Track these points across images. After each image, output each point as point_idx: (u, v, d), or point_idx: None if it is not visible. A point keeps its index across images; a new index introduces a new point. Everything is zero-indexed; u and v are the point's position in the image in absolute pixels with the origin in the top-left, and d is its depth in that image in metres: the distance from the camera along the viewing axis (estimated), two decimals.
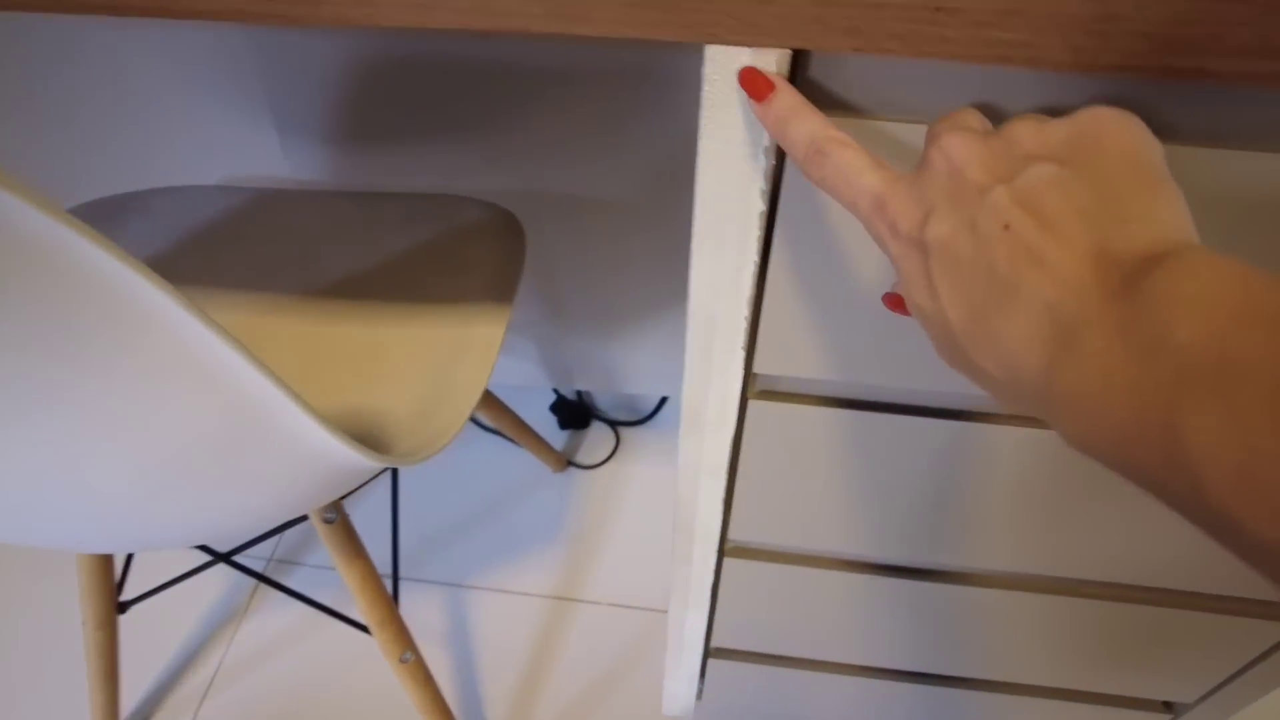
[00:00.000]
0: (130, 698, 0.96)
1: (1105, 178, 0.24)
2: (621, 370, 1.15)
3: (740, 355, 0.44)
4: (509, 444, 1.21)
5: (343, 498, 0.68)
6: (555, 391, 1.25)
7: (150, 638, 1.01)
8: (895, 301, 0.33)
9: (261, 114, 0.93)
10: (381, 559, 0.98)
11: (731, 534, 0.59)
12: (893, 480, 0.51)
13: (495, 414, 1.03)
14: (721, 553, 0.61)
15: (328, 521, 0.68)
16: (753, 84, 0.30)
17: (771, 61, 0.31)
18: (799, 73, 0.33)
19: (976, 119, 0.28)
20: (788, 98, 0.30)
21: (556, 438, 1.24)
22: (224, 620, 1.03)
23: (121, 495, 0.47)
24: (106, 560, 0.76)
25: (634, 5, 0.30)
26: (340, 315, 0.69)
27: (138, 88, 0.91)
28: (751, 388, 0.48)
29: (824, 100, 0.34)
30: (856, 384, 0.47)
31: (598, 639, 1.02)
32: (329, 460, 0.49)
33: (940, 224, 0.25)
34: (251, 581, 1.06)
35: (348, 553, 0.70)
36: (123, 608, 0.82)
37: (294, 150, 0.95)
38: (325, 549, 1.07)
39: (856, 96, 0.34)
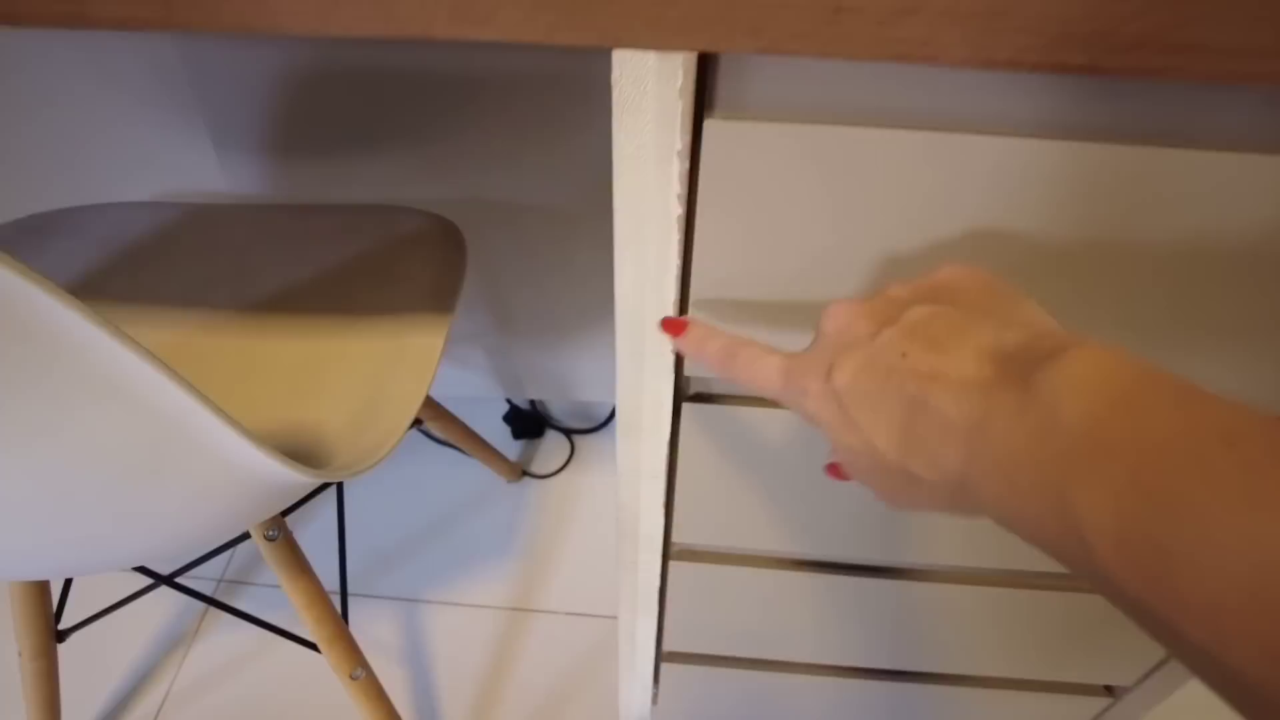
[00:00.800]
0: None
1: (975, 304, 0.28)
2: (572, 377, 1.15)
3: (670, 358, 0.44)
4: (463, 455, 1.20)
5: (285, 514, 0.67)
6: (508, 401, 1.24)
7: (93, 665, 0.98)
8: (836, 470, 0.35)
9: (197, 128, 0.91)
10: (331, 576, 0.96)
11: (675, 537, 0.59)
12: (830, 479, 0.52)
13: (445, 426, 1.02)
14: (666, 556, 0.61)
15: (270, 539, 0.67)
16: (671, 326, 0.38)
17: (678, 64, 0.32)
18: (706, 77, 0.34)
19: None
20: (699, 327, 0.36)
21: (511, 448, 1.23)
22: (172, 644, 1.01)
23: (46, 518, 0.46)
24: (41, 587, 0.74)
25: (537, 9, 0.30)
26: (274, 330, 0.68)
27: (69, 103, 0.89)
28: (684, 390, 0.49)
29: (732, 103, 0.34)
30: None
31: (555, 649, 1.01)
32: (259, 476, 0.48)
33: (843, 371, 0.28)
34: (201, 603, 1.03)
35: (292, 570, 0.69)
36: (61, 636, 0.80)
37: (230, 164, 0.94)
38: (264, 622, 1.05)
39: (762, 98, 0.34)
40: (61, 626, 0.80)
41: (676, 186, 0.35)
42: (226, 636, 1.01)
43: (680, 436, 0.50)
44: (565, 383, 1.16)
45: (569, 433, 1.24)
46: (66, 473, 0.42)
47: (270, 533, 0.67)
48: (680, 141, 0.34)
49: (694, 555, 0.62)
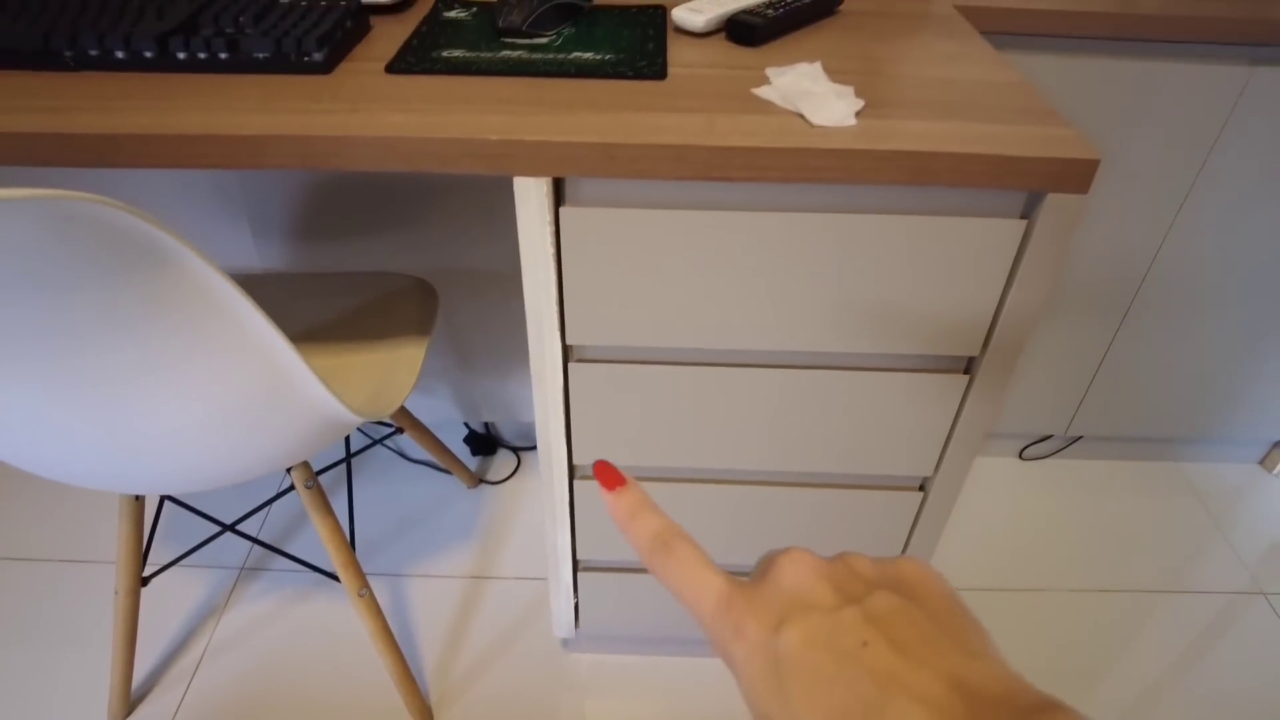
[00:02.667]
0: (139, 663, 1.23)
1: (938, 613, 0.25)
2: (517, 402, 1.50)
3: (558, 334, 0.80)
4: (433, 471, 1.54)
5: (319, 473, 1.01)
6: (467, 426, 1.59)
7: (162, 611, 1.29)
8: (605, 477, 0.32)
9: (240, 220, 1.28)
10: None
11: (576, 460, 0.94)
12: (679, 412, 0.88)
13: (428, 443, 1.36)
14: (571, 476, 0.96)
15: (308, 488, 1.01)
16: (605, 476, 0.31)
17: (544, 181, 0.69)
18: (562, 186, 0.72)
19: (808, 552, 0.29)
20: (635, 494, 0.31)
21: (470, 463, 1.57)
22: (213, 605, 1.31)
23: (192, 434, 0.80)
24: (139, 532, 1.06)
25: (481, 162, 0.68)
26: (311, 352, 1.03)
27: (151, 204, 1.26)
28: (571, 355, 0.85)
29: (576, 198, 0.72)
30: (641, 348, 0.84)
31: (507, 602, 1.34)
32: (325, 413, 0.82)
33: (794, 633, 0.25)
34: (229, 579, 1.34)
35: (321, 511, 1.02)
36: (145, 581, 1.11)
37: (263, 245, 1.30)
38: (292, 552, 1.37)
39: (594, 195, 0.72)
40: (145, 573, 1.11)
41: (550, 238, 0.73)
42: (256, 602, 1.32)
43: (570, 385, 0.86)
44: (513, 406, 1.51)
45: (516, 450, 1.59)
46: (206, 401, 0.77)
47: (308, 483, 1.01)
48: (550, 210, 0.72)
49: (592, 475, 0.97)
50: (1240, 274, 1.30)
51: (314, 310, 1.11)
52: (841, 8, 0.98)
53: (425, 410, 1.53)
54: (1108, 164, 1.18)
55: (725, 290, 0.78)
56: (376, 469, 1.56)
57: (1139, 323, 1.37)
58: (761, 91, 0.75)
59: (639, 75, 0.78)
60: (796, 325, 0.80)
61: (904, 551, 1.03)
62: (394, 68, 0.80)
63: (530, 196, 0.71)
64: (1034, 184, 0.68)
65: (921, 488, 0.96)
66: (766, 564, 0.28)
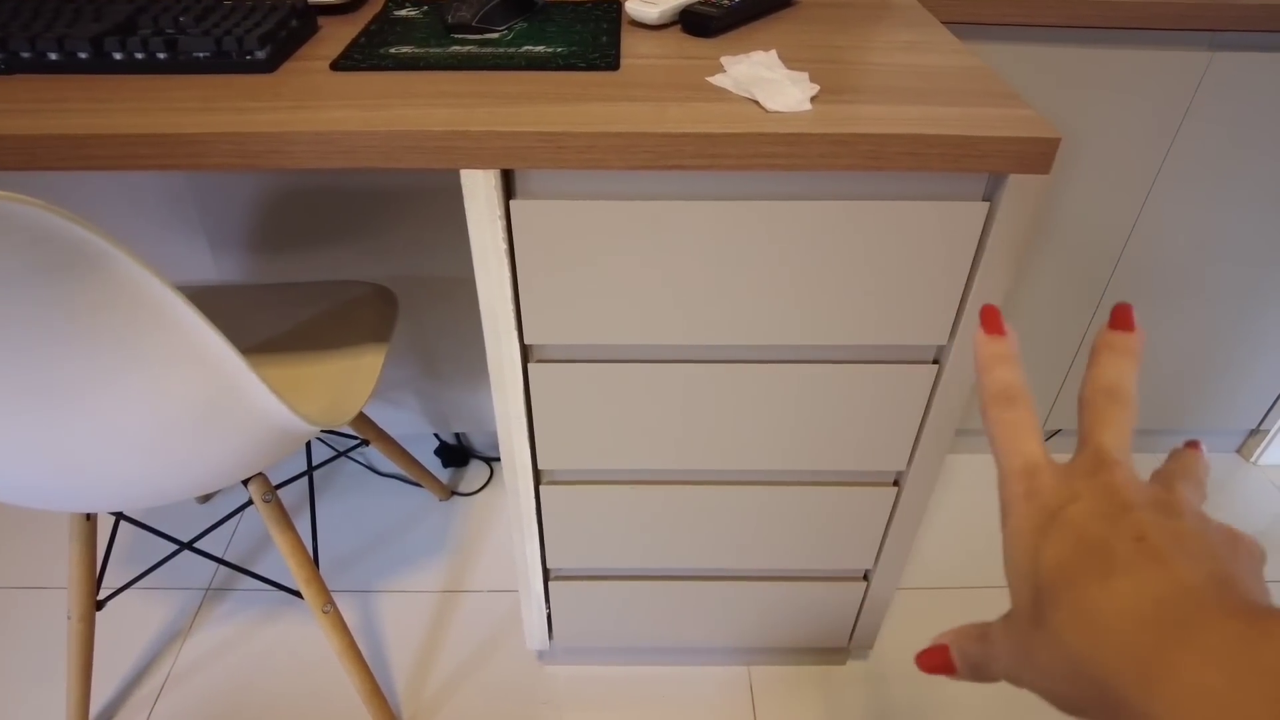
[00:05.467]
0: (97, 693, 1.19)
1: (1240, 565, 0.24)
2: (487, 411, 1.48)
3: (515, 334, 0.78)
4: (404, 484, 1.50)
5: (278, 487, 0.98)
6: (437, 437, 1.55)
7: (119, 635, 1.24)
8: (931, 661, 0.31)
9: (195, 232, 1.25)
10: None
11: (541, 465, 0.91)
12: (644, 412, 0.86)
13: (396, 455, 1.33)
14: (537, 482, 0.93)
15: (266, 501, 0.97)
16: (991, 319, 0.32)
17: (492, 174, 0.67)
18: (512, 179, 0.69)
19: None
20: (1006, 347, 0.31)
21: (441, 475, 1.54)
22: (177, 629, 1.27)
23: (129, 448, 0.77)
24: (91, 554, 1.02)
25: (429, 156, 0.65)
26: (268, 362, 1.00)
27: (102, 217, 1.22)
28: (530, 356, 0.83)
29: (526, 191, 0.70)
30: (602, 345, 0.81)
31: (482, 616, 1.30)
32: (277, 423, 0.80)
33: (1082, 508, 0.26)
34: (195, 600, 1.30)
35: (281, 525, 0.99)
36: (100, 604, 1.07)
37: (221, 258, 1.27)
38: (259, 568, 1.33)
39: (545, 188, 0.70)
40: (100, 596, 1.07)
41: (502, 233, 0.71)
42: (223, 623, 1.28)
43: (532, 389, 0.84)
44: (483, 416, 1.48)
45: (488, 460, 1.56)
46: (149, 411, 0.74)
47: (266, 496, 0.97)
48: (499, 212, 0.69)
49: (557, 481, 0.94)
50: (1210, 261, 1.30)
51: (272, 321, 1.08)
52: None
53: (394, 422, 1.50)
54: (1074, 154, 1.18)
55: (686, 283, 0.76)
56: (345, 483, 1.53)
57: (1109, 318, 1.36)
58: (716, 79, 0.73)
59: (591, 67, 0.77)
60: (759, 318, 0.78)
61: (880, 548, 1.01)
62: (340, 65, 0.78)
63: (478, 190, 0.69)
64: (995, 166, 0.67)
65: (896, 482, 0.95)
66: (1095, 457, 0.28)
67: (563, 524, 0.98)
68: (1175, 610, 0.22)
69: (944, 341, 0.80)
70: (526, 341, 0.80)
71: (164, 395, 0.72)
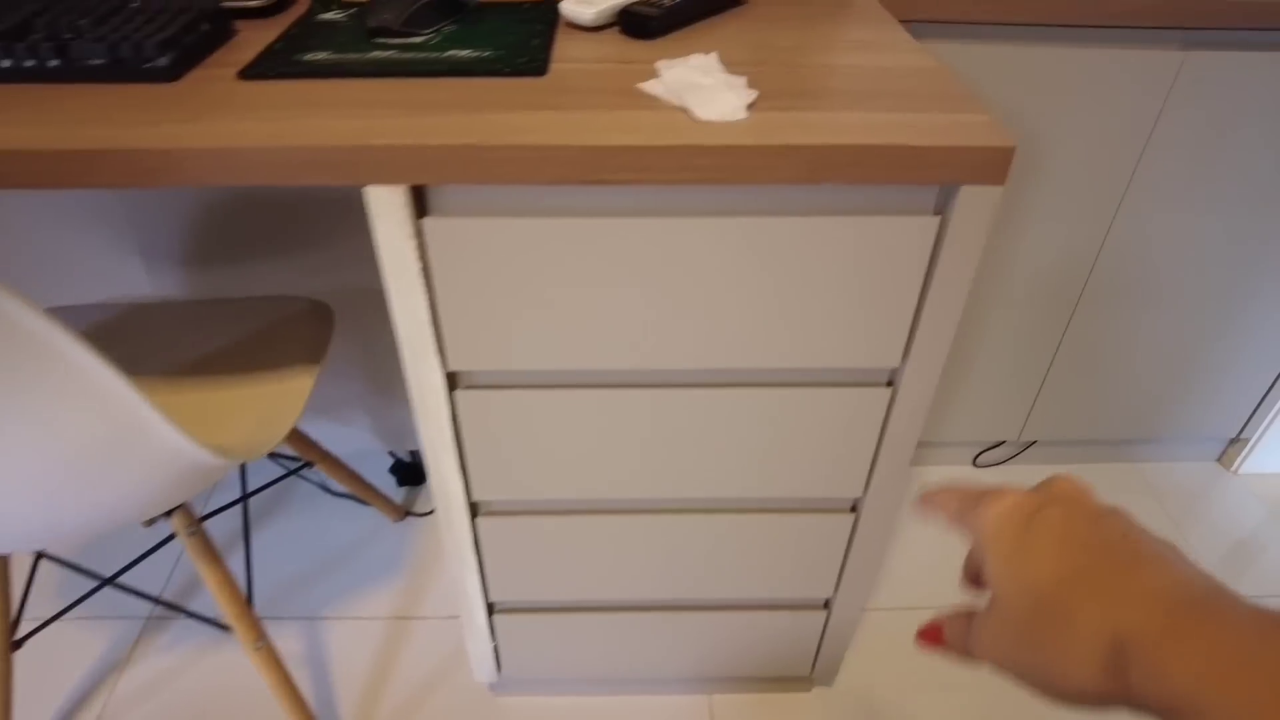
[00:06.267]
0: None
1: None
2: None
3: (436, 360, 0.72)
4: (358, 505, 1.45)
5: (221, 510, 0.92)
6: (393, 455, 1.50)
7: (41, 676, 1.18)
8: (928, 639, 0.36)
9: (128, 246, 1.19)
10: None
11: (476, 495, 0.86)
12: (584, 439, 0.80)
13: (339, 474, 1.27)
14: (473, 514, 0.88)
15: (191, 535, 0.92)
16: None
17: (401, 193, 0.62)
18: (424, 196, 0.64)
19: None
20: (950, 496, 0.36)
21: (397, 494, 1.48)
22: (110, 664, 1.21)
23: (28, 488, 0.71)
24: (4, 593, 0.96)
25: (309, 165, 0.60)
26: (193, 386, 0.94)
27: (14, 232, 1.16)
28: (456, 382, 0.77)
29: (440, 209, 0.65)
30: (534, 371, 0.76)
31: (433, 643, 1.25)
32: (185, 459, 0.74)
33: (1057, 510, 0.31)
34: (134, 631, 1.24)
35: (206, 559, 0.93)
36: (17, 644, 1.01)
37: (156, 272, 1.21)
38: (187, 610, 1.27)
39: (459, 205, 0.65)
40: (16, 636, 1.01)
41: (415, 251, 0.65)
42: (161, 656, 1.22)
43: (459, 415, 0.78)
44: None
45: None
46: (38, 454, 0.68)
47: (190, 529, 0.92)
48: (410, 231, 0.64)
49: (493, 511, 0.89)
50: (1186, 266, 1.25)
51: (200, 340, 1.02)
52: None
53: (344, 440, 1.44)
54: (1044, 158, 1.13)
55: (620, 305, 0.71)
56: (297, 503, 1.47)
57: (1087, 321, 1.32)
58: (647, 86, 0.68)
59: (516, 72, 0.71)
60: (699, 341, 0.73)
61: (840, 576, 0.96)
62: (248, 73, 0.72)
63: (386, 208, 0.63)
64: (945, 177, 0.62)
65: (853, 509, 0.90)
66: (1043, 484, 0.33)
67: (504, 556, 0.92)
68: (1184, 600, 0.26)
69: (897, 364, 0.75)
70: (451, 367, 0.74)
71: (54, 437, 0.66)
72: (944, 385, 1.41)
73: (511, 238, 0.66)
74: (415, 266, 0.66)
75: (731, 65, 0.72)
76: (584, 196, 0.65)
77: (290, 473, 1.31)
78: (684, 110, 0.64)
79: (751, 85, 0.68)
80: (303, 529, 1.42)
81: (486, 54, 0.75)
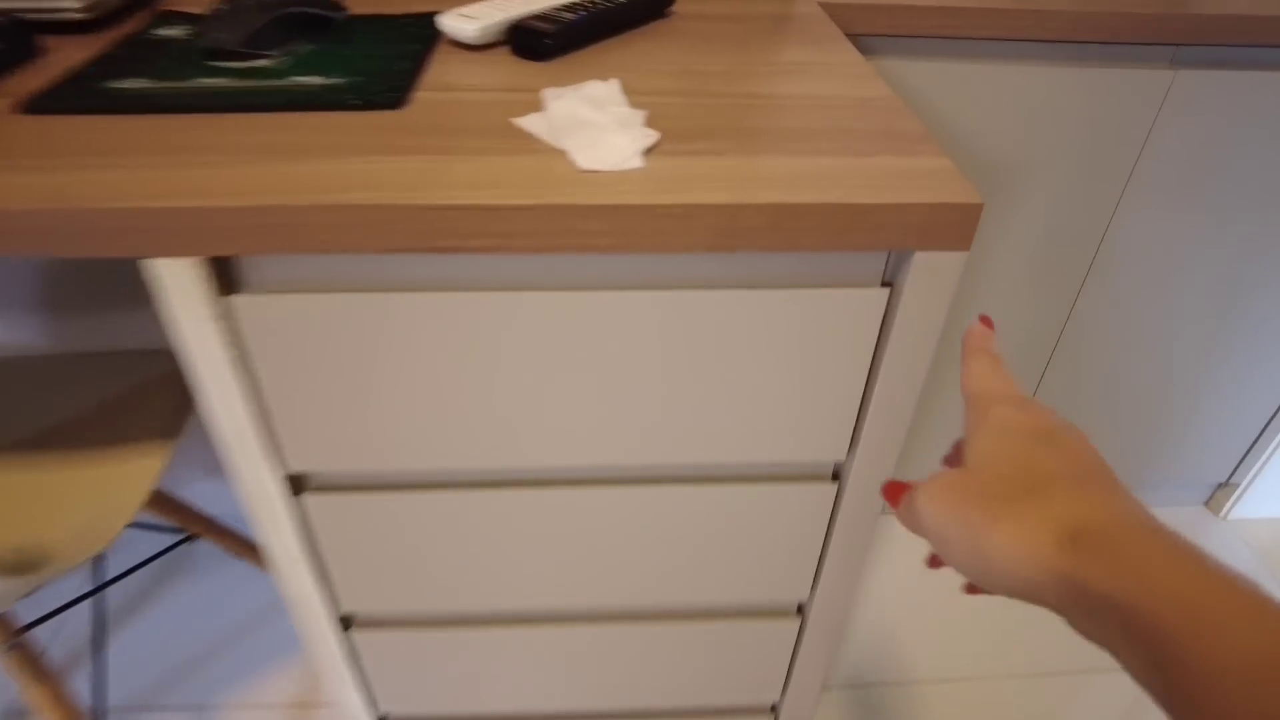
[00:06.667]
0: None
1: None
2: None
3: (270, 461, 0.58)
4: (258, 569, 1.29)
5: (30, 627, 0.77)
6: None
7: None
8: (894, 491, 0.38)
9: None
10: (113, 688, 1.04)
11: (346, 608, 0.72)
12: (474, 544, 0.66)
13: (231, 544, 1.12)
14: (346, 626, 0.74)
15: (13, 648, 0.77)
16: (985, 320, 0.39)
17: (195, 266, 0.48)
18: (233, 268, 0.50)
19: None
20: (988, 340, 0.39)
21: None
22: None
23: None
24: None
25: (77, 232, 0.45)
26: (17, 469, 0.79)
27: None
28: (305, 484, 0.63)
29: (254, 285, 0.51)
30: (403, 471, 0.62)
31: None
32: None
33: (1059, 421, 0.34)
34: None
35: (33, 674, 0.78)
36: None
37: (7, 321, 1.06)
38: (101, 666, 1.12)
39: (277, 280, 0.51)
40: None
41: (222, 347, 0.51)
42: None
43: (313, 524, 0.64)
44: None
45: None
46: None
47: (12, 644, 0.76)
48: (211, 312, 0.50)
49: (376, 624, 0.75)
50: (1172, 303, 1.14)
51: (46, 406, 0.87)
52: (675, 9, 0.78)
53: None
54: (1015, 191, 1.00)
55: (498, 393, 0.57)
56: (200, 566, 1.31)
57: (1067, 362, 1.20)
58: (526, 122, 0.54)
59: (368, 105, 0.57)
60: (599, 433, 0.59)
61: (787, 682, 0.83)
62: (34, 106, 0.58)
63: (175, 283, 0.49)
64: (894, 240, 0.49)
65: (800, 611, 0.76)
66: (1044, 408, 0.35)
67: (391, 671, 0.78)
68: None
69: (842, 457, 0.62)
70: (292, 469, 0.60)
71: None
72: (908, 436, 1.28)
73: (351, 316, 0.52)
74: (224, 355, 0.52)
75: (637, 95, 0.59)
76: (443, 266, 0.51)
77: (169, 549, 1.16)
78: (566, 155, 0.51)
79: (655, 122, 0.54)
80: (202, 597, 1.26)
81: (339, 81, 0.61)
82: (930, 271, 0.51)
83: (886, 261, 0.53)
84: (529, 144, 0.52)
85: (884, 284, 0.53)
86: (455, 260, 0.51)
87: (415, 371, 0.55)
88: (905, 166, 0.51)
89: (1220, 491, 1.48)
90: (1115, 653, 0.26)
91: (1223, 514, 1.48)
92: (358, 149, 0.51)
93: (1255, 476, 1.40)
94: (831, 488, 0.64)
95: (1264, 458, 1.37)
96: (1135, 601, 0.25)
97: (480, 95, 0.59)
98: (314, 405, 0.56)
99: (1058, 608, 0.29)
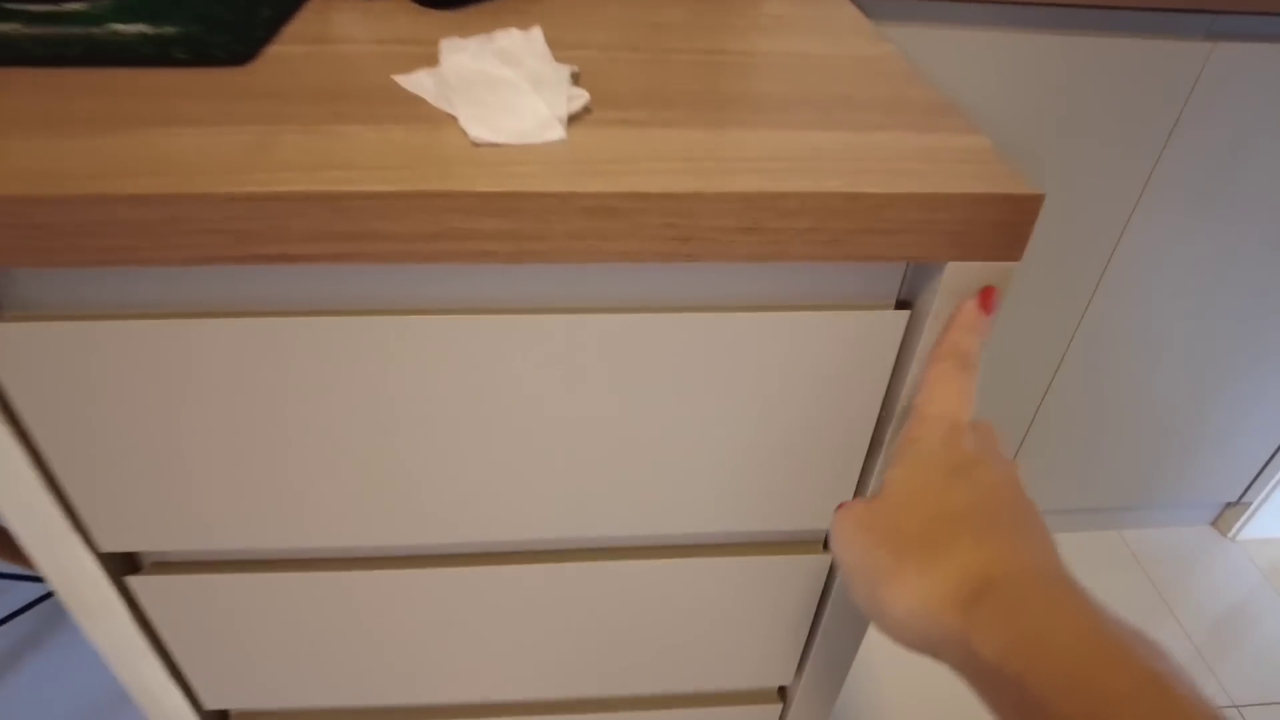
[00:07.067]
0: None
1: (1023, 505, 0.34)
2: None
3: (74, 538, 0.43)
4: None
5: None
6: None
7: None
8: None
9: None
10: None
11: (210, 705, 0.57)
12: (313, 628, 0.51)
13: None
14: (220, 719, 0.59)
15: None
16: (988, 299, 0.36)
17: None
18: None
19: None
20: (988, 327, 0.36)
21: None
22: None
23: None
24: None
25: None
26: None
27: None
28: (139, 563, 0.48)
29: (22, 304, 0.35)
30: (247, 550, 0.47)
31: None
32: None
33: (982, 456, 0.33)
34: None
35: None
36: None
37: None
38: None
39: (50, 301, 0.35)
40: None
41: None
42: None
43: (148, 611, 0.49)
44: None
45: None
46: None
47: None
48: None
49: (254, 717, 0.60)
50: (1188, 313, 1.01)
51: None
52: None
53: None
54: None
55: (382, 450, 0.42)
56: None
57: (1075, 375, 1.07)
58: (410, 81, 0.39)
59: (198, 60, 0.42)
60: (515, 499, 0.45)
61: None
62: None
63: None
64: (917, 246, 0.35)
65: (782, 695, 0.62)
66: (986, 431, 0.35)
67: None
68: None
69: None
70: (105, 548, 0.45)
71: None
72: None
73: (155, 349, 0.37)
74: None
75: (566, 50, 0.44)
76: (284, 281, 0.36)
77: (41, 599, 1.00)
78: (458, 125, 0.36)
79: (587, 82, 0.40)
80: (91, 652, 1.10)
81: (167, 30, 0.46)
82: (965, 290, 0.37)
83: (904, 275, 0.39)
84: (411, 110, 0.37)
85: (899, 305, 0.39)
86: (298, 273, 0.36)
87: (248, 422, 0.40)
88: (927, 145, 0.37)
89: (1229, 511, 1.36)
90: None
91: (1231, 534, 1.37)
92: (166, 118, 0.36)
93: (1268, 496, 1.28)
94: (824, 560, 0.50)
95: (1278, 477, 1.25)
96: (1025, 673, 0.25)
97: (360, 48, 0.45)
98: (115, 469, 0.41)
99: (955, 668, 0.28)
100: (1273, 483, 1.27)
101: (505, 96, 0.36)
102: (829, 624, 0.55)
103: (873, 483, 0.46)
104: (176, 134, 0.34)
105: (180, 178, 0.31)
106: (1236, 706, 1.14)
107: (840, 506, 0.35)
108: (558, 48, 0.44)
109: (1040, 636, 0.25)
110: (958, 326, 0.35)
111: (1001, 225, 0.35)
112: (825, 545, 0.51)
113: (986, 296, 0.35)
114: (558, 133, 0.35)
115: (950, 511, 0.30)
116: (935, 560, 0.29)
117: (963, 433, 0.33)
